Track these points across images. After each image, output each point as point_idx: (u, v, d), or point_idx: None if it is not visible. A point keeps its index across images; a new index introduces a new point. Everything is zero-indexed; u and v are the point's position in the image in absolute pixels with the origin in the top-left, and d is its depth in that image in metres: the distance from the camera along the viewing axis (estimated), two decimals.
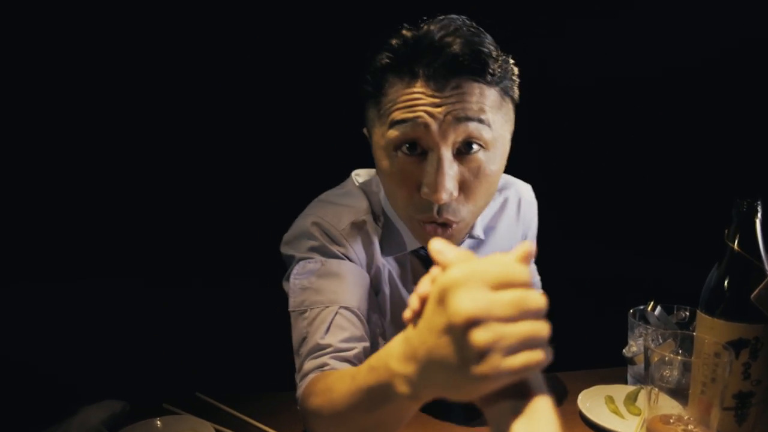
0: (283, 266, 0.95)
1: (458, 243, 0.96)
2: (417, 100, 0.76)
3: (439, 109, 0.75)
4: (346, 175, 1.04)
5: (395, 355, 0.49)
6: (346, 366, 0.79)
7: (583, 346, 1.23)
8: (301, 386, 0.79)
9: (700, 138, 1.86)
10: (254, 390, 1.05)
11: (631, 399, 0.97)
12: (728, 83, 1.79)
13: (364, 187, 0.98)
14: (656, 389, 0.75)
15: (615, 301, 1.10)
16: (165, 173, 1.66)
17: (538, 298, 0.42)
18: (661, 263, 1.77)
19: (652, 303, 1.03)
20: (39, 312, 1.46)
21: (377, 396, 0.53)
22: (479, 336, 0.40)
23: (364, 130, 0.89)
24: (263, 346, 0.88)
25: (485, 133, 0.78)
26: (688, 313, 1.03)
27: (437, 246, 0.47)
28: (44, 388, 1.19)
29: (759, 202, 0.79)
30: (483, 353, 0.40)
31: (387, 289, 0.96)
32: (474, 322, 0.40)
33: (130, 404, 0.93)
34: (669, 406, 0.75)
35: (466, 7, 0.82)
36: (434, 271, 0.47)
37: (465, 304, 0.40)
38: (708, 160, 1.82)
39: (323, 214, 0.92)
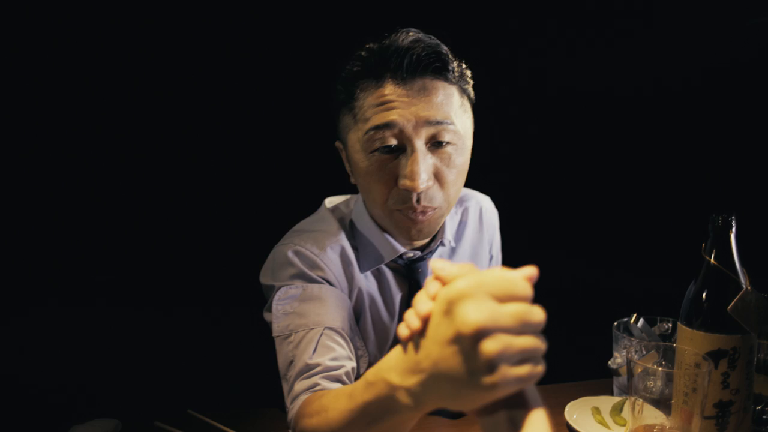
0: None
1: (433, 249, 1.01)
2: (388, 103, 0.83)
3: (409, 110, 0.82)
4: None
5: (395, 369, 0.51)
6: (337, 385, 0.80)
7: (570, 359, 1.25)
8: (293, 408, 0.79)
9: (680, 158, 1.91)
10: (245, 406, 1.05)
11: (617, 410, 0.98)
12: (704, 106, 1.85)
13: (335, 210, 1.03)
14: (640, 400, 0.77)
15: (601, 315, 1.12)
16: (165, 202, 1.68)
17: (539, 313, 0.44)
18: (645, 276, 1.80)
19: (635, 315, 1.05)
20: (32, 333, 1.46)
21: (377, 411, 0.55)
22: (488, 345, 0.42)
23: (337, 143, 0.95)
24: (254, 364, 0.89)
25: (452, 129, 0.86)
26: (670, 325, 1.05)
27: (438, 264, 0.49)
28: (36, 408, 1.18)
29: (733, 217, 0.82)
30: (491, 363, 0.42)
31: (368, 311, 0.99)
32: (483, 332, 0.42)
33: (121, 422, 0.93)
34: (653, 416, 0.77)
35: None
36: (432, 287, 0.48)
37: (474, 314, 0.42)
38: (688, 178, 1.87)
39: (300, 241, 0.95)
